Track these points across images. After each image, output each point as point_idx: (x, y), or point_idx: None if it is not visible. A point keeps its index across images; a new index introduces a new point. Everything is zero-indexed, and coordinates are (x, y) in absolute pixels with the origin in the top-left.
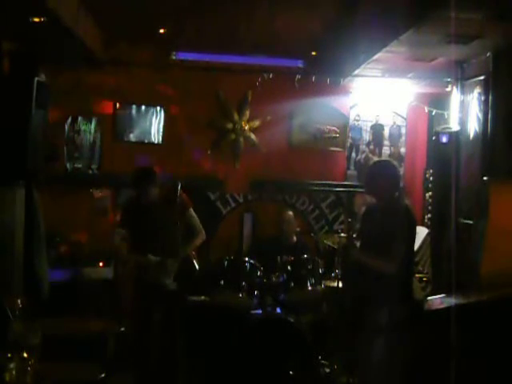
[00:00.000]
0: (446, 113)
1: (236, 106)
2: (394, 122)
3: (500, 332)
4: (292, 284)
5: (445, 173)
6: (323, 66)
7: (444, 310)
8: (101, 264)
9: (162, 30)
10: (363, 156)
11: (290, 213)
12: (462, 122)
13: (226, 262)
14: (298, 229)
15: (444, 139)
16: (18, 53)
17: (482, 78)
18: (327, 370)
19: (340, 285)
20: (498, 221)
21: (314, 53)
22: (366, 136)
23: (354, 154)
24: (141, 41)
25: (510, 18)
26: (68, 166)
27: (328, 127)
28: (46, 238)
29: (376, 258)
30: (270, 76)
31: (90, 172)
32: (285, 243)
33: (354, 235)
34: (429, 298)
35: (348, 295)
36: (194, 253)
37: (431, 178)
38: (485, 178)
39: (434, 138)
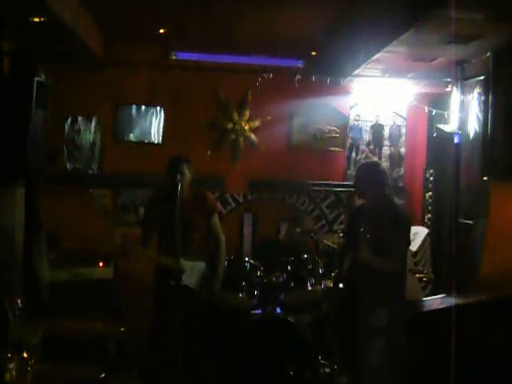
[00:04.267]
0: (446, 113)
1: (236, 106)
2: (394, 122)
3: (500, 332)
4: (292, 284)
5: (445, 173)
6: (323, 66)
7: (444, 310)
8: (101, 264)
9: (162, 30)
10: (363, 156)
11: (309, 221)
12: (462, 122)
13: (226, 262)
14: (298, 229)
15: (456, 139)
16: (18, 53)
17: (482, 78)
18: (327, 370)
19: (340, 285)
20: (497, 221)
21: (314, 53)
22: (366, 136)
23: (354, 154)
24: (141, 41)
25: (510, 18)
26: (68, 166)
27: (328, 127)
28: (45, 238)
29: (377, 256)
30: (270, 76)
31: (90, 172)
32: (285, 243)
33: (341, 235)
34: (429, 297)
35: (348, 295)
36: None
37: (431, 178)
38: (485, 178)
39: (434, 134)
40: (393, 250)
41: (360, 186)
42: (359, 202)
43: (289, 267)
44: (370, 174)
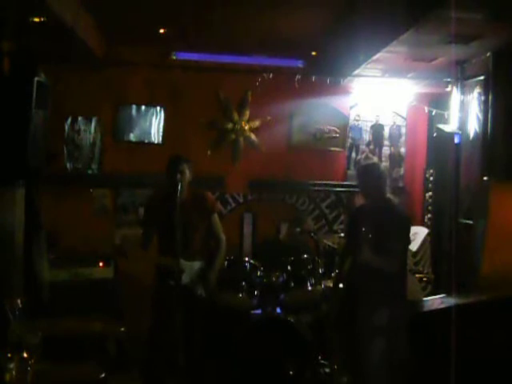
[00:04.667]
0: (446, 113)
1: (236, 106)
2: (394, 122)
3: (500, 332)
4: (292, 284)
5: (445, 173)
6: (323, 66)
7: (444, 309)
8: (101, 264)
9: (162, 30)
10: (363, 156)
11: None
12: (462, 122)
13: (226, 262)
14: (298, 229)
15: (456, 139)
16: (18, 53)
17: (482, 78)
18: (327, 370)
19: (340, 285)
20: (498, 221)
21: (313, 53)
22: (366, 136)
23: (354, 154)
24: (141, 41)
25: (510, 18)
26: (68, 166)
27: (328, 127)
28: (45, 238)
29: (377, 256)
30: (270, 76)
31: (90, 172)
32: (285, 243)
33: (342, 234)
34: (429, 297)
35: (348, 295)
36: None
37: (431, 178)
38: (485, 178)
39: (435, 134)
40: (393, 250)
41: (360, 188)
42: (359, 202)
43: (289, 267)
44: (370, 176)
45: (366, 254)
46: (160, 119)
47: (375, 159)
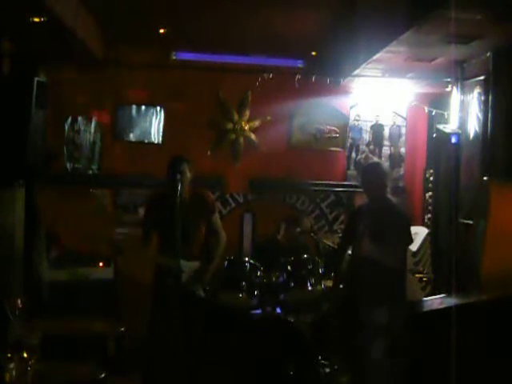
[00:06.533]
0: (446, 113)
1: (236, 106)
2: (394, 122)
3: (500, 332)
4: (292, 284)
5: (445, 173)
6: (323, 66)
7: (444, 309)
8: (101, 264)
9: (162, 30)
10: (363, 156)
11: (308, 221)
12: (462, 122)
13: (225, 262)
14: (298, 229)
15: (454, 139)
16: (18, 53)
17: (482, 77)
18: (327, 370)
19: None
20: (498, 221)
21: (314, 53)
22: (366, 136)
23: (354, 154)
24: (141, 41)
25: (510, 18)
26: (68, 166)
27: (328, 127)
28: (45, 238)
29: (376, 252)
30: (270, 76)
31: (90, 172)
32: (285, 243)
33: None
34: (429, 297)
35: (348, 295)
36: None
37: (431, 178)
38: (485, 178)
39: (434, 135)
40: (392, 249)
41: (363, 186)
42: (359, 202)
43: (289, 267)
44: (374, 174)
45: (365, 247)
46: (160, 119)
47: (375, 159)
